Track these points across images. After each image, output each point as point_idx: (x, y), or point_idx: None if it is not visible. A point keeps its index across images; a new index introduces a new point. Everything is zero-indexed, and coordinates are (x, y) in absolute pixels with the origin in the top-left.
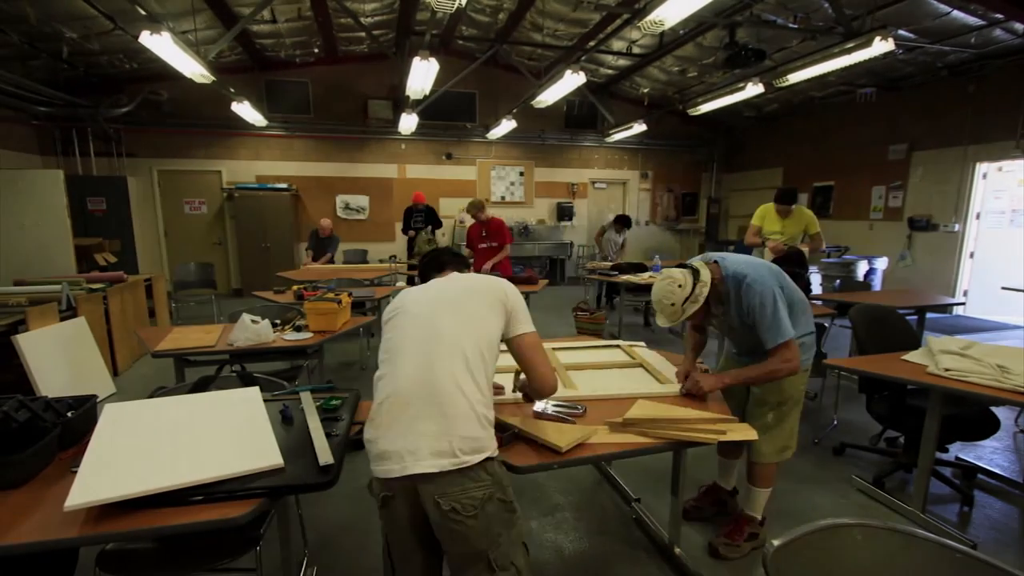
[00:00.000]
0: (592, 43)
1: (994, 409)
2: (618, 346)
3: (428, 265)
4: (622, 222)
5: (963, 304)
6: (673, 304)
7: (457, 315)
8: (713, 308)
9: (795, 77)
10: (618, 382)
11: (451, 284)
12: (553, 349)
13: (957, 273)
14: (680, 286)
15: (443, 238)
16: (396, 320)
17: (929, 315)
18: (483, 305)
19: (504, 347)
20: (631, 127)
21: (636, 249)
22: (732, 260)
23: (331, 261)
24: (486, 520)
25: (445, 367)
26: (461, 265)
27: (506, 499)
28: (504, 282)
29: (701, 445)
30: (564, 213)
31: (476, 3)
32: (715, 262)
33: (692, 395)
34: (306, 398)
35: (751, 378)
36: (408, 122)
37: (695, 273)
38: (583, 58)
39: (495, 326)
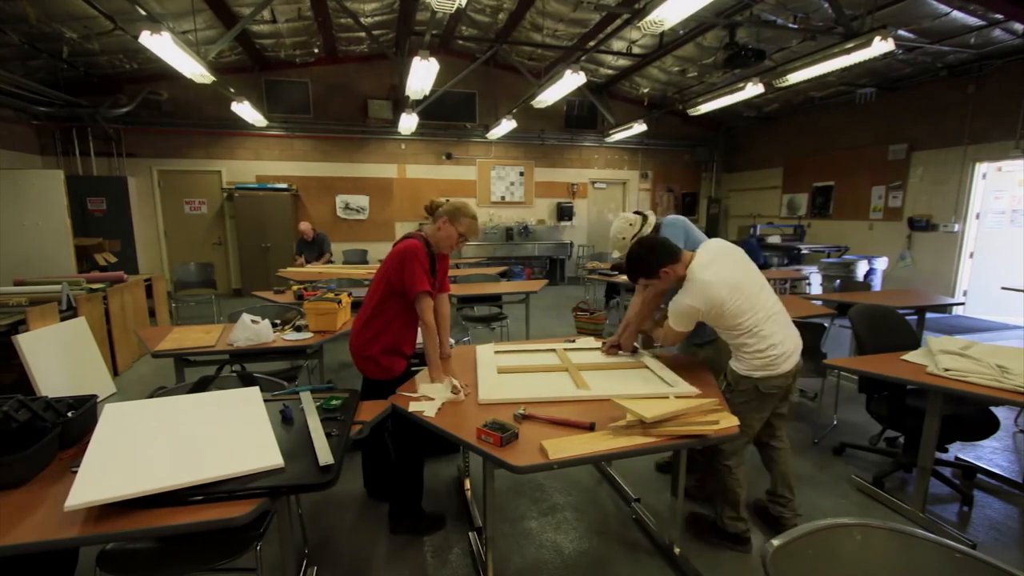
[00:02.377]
0: (592, 43)
1: (994, 409)
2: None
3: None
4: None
5: (963, 304)
6: (623, 238)
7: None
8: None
9: (795, 77)
10: (628, 384)
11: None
12: (565, 350)
13: (957, 273)
14: (631, 224)
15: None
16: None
17: (929, 315)
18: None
19: None
20: (631, 127)
21: None
22: (680, 226)
23: (329, 261)
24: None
25: (772, 298)
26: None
27: None
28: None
29: (699, 438)
30: (564, 213)
31: (476, 3)
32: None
33: (613, 349)
34: (306, 398)
35: (639, 320)
36: (408, 122)
37: (644, 218)
38: (583, 58)
39: None
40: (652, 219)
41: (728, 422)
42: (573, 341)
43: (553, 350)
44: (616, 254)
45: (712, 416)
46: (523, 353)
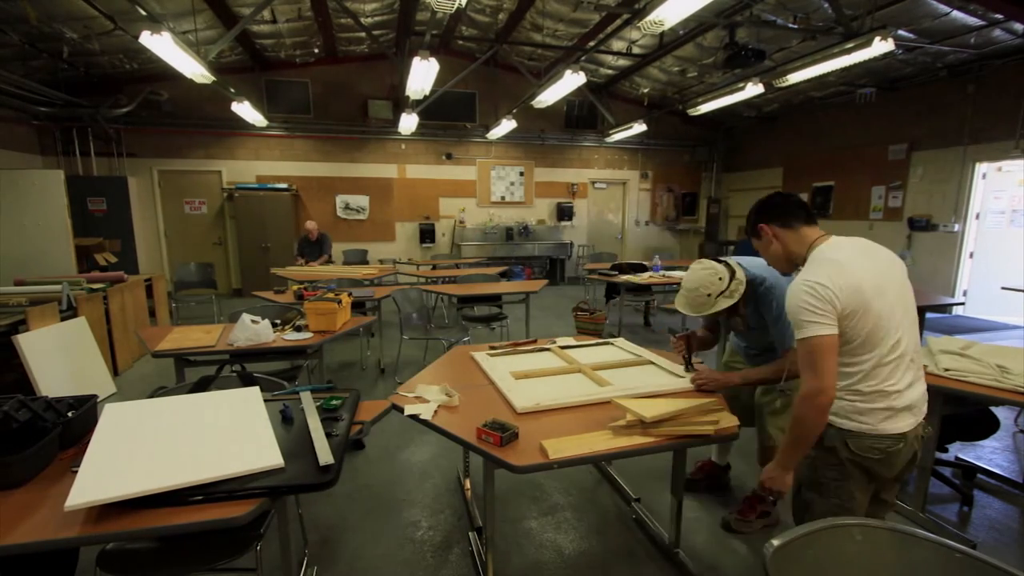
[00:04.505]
0: (592, 43)
1: (994, 409)
2: (610, 343)
3: (796, 207)
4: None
5: (963, 304)
6: (709, 295)
7: (903, 286)
8: (741, 308)
9: (795, 77)
10: (640, 379)
11: (875, 250)
12: (562, 348)
13: (957, 273)
14: (720, 279)
15: (443, 238)
16: (881, 301)
17: (929, 315)
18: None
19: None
20: (631, 127)
21: (636, 249)
22: (748, 263)
23: (329, 261)
24: None
25: (916, 338)
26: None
27: None
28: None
29: (698, 438)
30: (564, 213)
31: (476, 3)
32: (738, 264)
33: (702, 388)
34: (306, 398)
35: (758, 379)
36: (408, 122)
37: (731, 271)
38: (583, 58)
39: None
40: (741, 274)
41: (728, 421)
42: (554, 341)
43: (548, 349)
44: (687, 310)
45: (712, 416)
46: (520, 355)
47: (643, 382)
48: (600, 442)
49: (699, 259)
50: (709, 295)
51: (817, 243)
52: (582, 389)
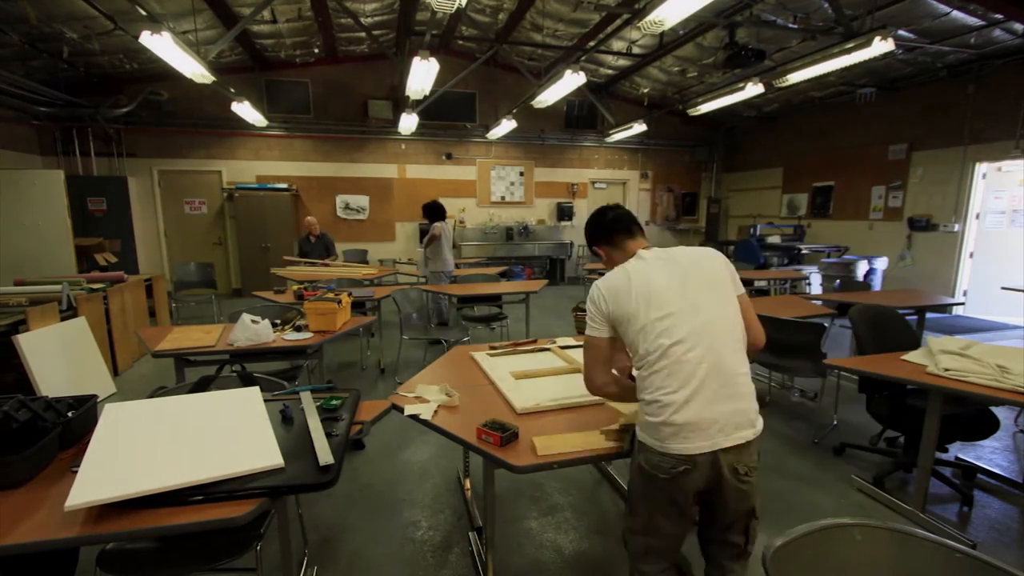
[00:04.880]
0: (592, 43)
1: (994, 409)
2: None
3: (615, 225)
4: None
5: (963, 304)
6: None
7: (712, 295)
8: None
9: (795, 77)
10: None
11: (681, 259)
12: (561, 348)
13: (957, 273)
14: None
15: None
16: (653, 307)
17: (929, 315)
18: (727, 281)
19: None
20: (631, 127)
21: None
22: None
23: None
24: (756, 476)
25: (726, 349)
26: (641, 227)
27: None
28: (711, 250)
29: None
30: (564, 213)
31: (476, 3)
32: None
33: None
34: (306, 398)
35: None
36: (408, 122)
37: None
38: (583, 58)
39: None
40: None
41: None
42: (554, 341)
43: (548, 349)
44: None
45: None
46: (520, 355)
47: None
48: (591, 441)
49: None
50: None
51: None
52: (582, 389)
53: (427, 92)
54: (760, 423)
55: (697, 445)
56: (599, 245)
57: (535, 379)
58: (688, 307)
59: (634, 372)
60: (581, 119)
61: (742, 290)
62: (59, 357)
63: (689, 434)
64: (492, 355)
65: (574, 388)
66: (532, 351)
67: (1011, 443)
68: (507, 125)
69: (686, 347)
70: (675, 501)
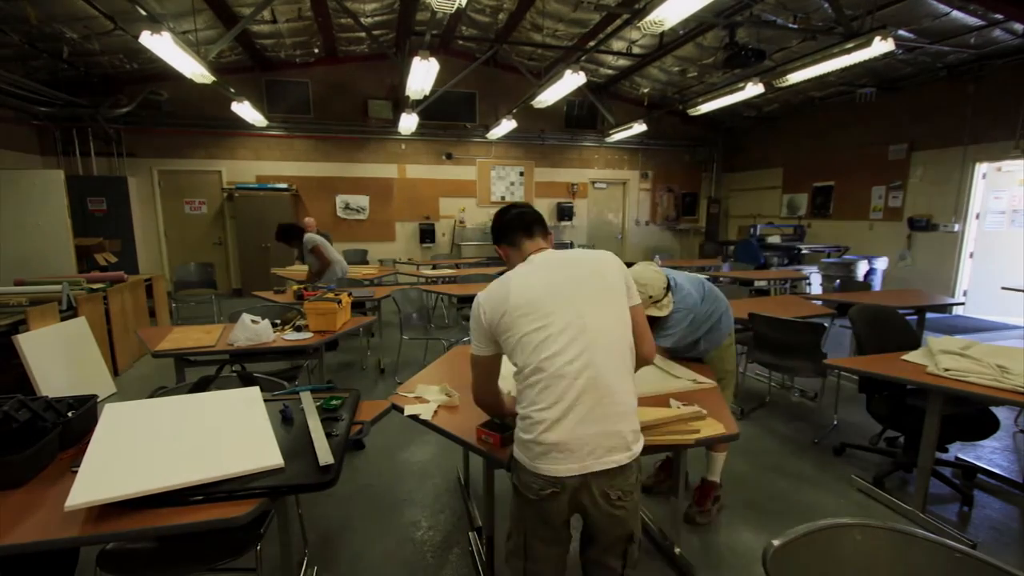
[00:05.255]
0: (592, 43)
1: (994, 409)
2: None
3: (514, 223)
4: None
5: (963, 304)
6: (650, 296)
7: (600, 305)
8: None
9: (795, 77)
10: (640, 377)
11: (570, 264)
12: None
13: (957, 273)
14: (663, 288)
15: (443, 238)
16: (531, 317)
17: (929, 315)
18: (619, 290)
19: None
20: (631, 127)
21: (636, 249)
22: (684, 285)
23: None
24: (635, 500)
25: (609, 365)
26: (545, 228)
27: (639, 476)
28: (608, 254)
29: (682, 447)
30: (564, 213)
31: (476, 3)
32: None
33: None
34: (306, 398)
35: None
36: (408, 122)
37: (669, 289)
38: (583, 58)
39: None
40: (670, 300)
41: (711, 430)
42: None
43: None
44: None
45: (693, 425)
46: None
47: (644, 380)
48: None
49: (649, 262)
50: (650, 296)
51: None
52: None
53: (427, 92)
54: (639, 446)
55: (567, 467)
56: (499, 244)
57: None
58: (573, 316)
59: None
60: (581, 119)
61: (637, 301)
62: (59, 357)
63: (558, 455)
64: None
65: None
66: None
67: (1011, 443)
68: (507, 125)
69: (565, 359)
70: (547, 522)
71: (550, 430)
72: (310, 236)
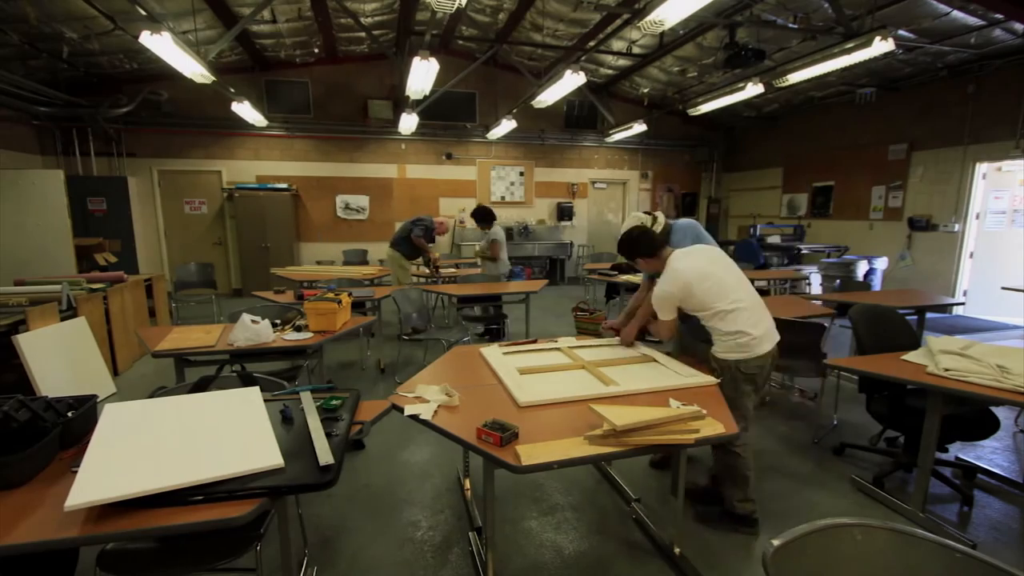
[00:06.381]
0: (592, 43)
1: (994, 409)
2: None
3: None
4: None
5: (963, 304)
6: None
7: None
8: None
9: (795, 77)
10: (642, 375)
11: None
12: (571, 348)
13: (957, 273)
14: (641, 223)
15: (443, 238)
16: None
17: (929, 315)
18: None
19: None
20: (631, 127)
21: None
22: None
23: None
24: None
25: (748, 291)
26: None
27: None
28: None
29: (681, 447)
30: (564, 213)
31: (476, 3)
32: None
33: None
34: (306, 398)
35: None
36: (408, 122)
37: (654, 218)
38: (583, 58)
39: None
40: (661, 219)
41: (711, 430)
42: (555, 341)
43: (558, 348)
44: (623, 253)
45: (693, 425)
46: (530, 353)
47: (646, 378)
48: (573, 449)
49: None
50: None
51: (668, 257)
52: (584, 386)
53: (427, 92)
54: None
55: (766, 345)
56: (644, 257)
57: (539, 375)
58: (723, 273)
59: (709, 318)
60: (581, 119)
61: None
62: (59, 357)
63: (763, 341)
64: (505, 353)
65: (578, 385)
66: (541, 350)
67: (1011, 443)
68: (507, 125)
69: (743, 295)
70: (757, 385)
71: (754, 330)
72: (497, 228)
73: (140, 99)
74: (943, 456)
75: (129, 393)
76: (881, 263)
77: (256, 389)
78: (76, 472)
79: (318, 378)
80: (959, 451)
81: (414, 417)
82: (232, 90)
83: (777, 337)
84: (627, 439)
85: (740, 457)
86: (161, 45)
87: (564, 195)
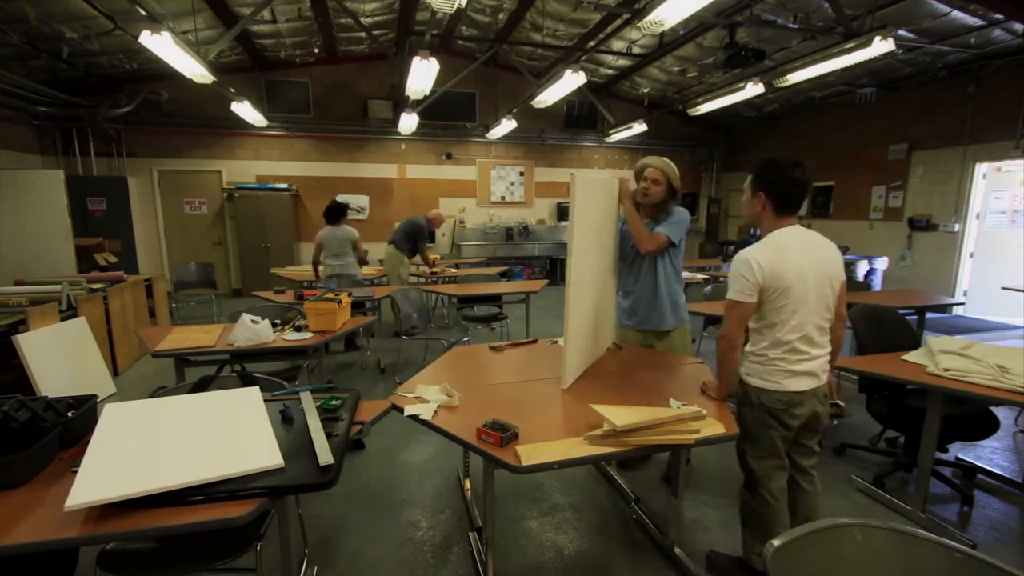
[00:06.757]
0: (592, 43)
1: (994, 409)
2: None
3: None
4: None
5: (963, 304)
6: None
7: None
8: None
9: (795, 77)
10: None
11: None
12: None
13: (957, 273)
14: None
15: (443, 238)
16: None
17: (929, 315)
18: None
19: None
20: (631, 127)
21: None
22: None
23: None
24: None
25: (817, 315)
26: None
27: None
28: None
29: (681, 447)
30: (564, 213)
31: (476, 3)
32: None
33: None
34: (306, 398)
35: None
36: (408, 122)
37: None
38: (583, 58)
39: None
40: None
41: (711, 430)
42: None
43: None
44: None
45: (693, 425)
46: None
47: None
48: (573, 450)
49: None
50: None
51: (780, 228)
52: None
53: (427, 92)
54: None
55: (803, 382)
56: (771, 199)
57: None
58: (811, 286)
59: (758, 322)
60: (581, 119)
61: None
62: (59, 357)
63: (800, 377)
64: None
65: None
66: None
67: (1011, 443)
68: (507, 125)
69: (807, 320)
70: (783, 425)
71: (800, 364)
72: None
73: (140, 99)
74: (943, 456)
75: (129, 393)
76: (881, 263)
77: (256, 389)
78: (76, 472)
79: (318, 378)
80: (959, 451)
81: (414, 417)
82: (232, 90)
83: (822, 375)
84: (627, 439)
85: (769, 506)
86: (161, 45)
87: (564, 195)
